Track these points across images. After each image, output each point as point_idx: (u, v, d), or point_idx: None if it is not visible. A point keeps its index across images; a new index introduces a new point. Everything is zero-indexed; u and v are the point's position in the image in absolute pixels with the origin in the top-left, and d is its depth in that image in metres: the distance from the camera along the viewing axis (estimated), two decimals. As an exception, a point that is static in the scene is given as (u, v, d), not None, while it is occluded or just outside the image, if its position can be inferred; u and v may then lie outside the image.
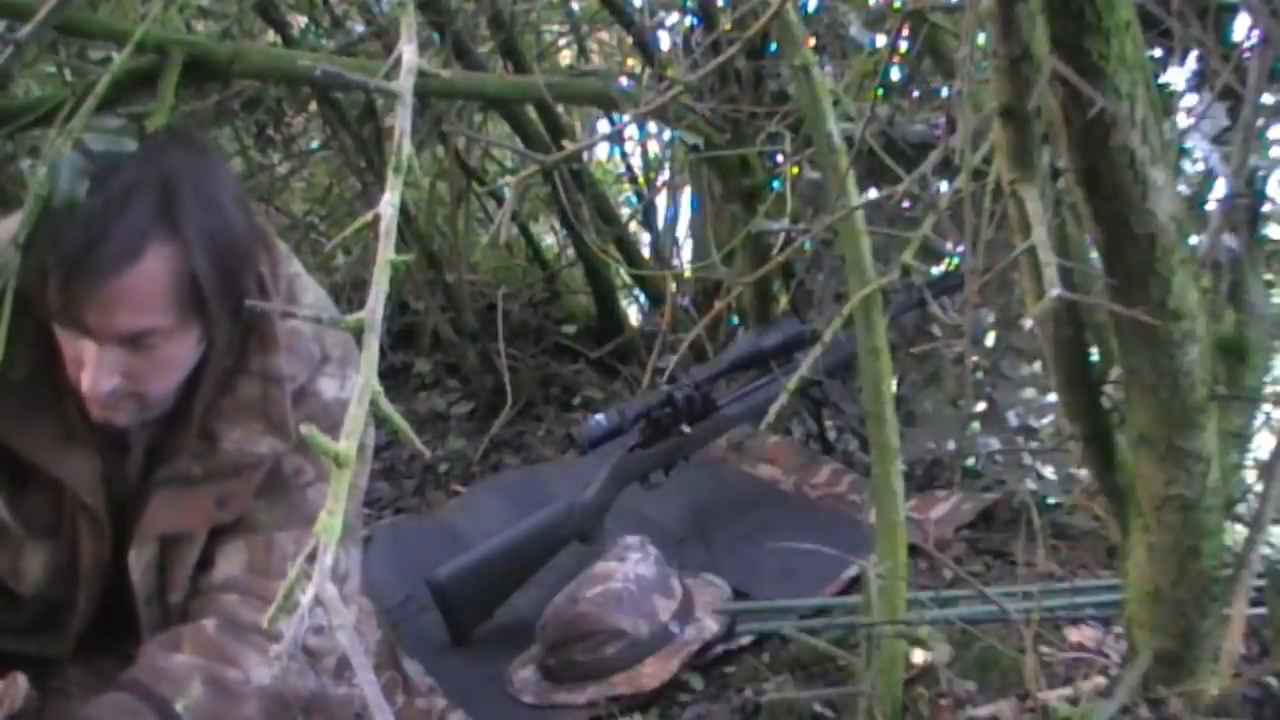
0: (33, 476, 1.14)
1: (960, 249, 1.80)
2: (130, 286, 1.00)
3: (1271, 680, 1.20)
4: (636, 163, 3.15)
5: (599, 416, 1.84)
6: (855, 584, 1.59)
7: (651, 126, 2.55)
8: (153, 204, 1.01)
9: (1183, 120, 1.42)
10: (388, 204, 0.50)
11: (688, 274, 2.73)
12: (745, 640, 1.59)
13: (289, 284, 1.19)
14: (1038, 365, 1.90)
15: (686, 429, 1.92)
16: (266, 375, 1.14)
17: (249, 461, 1.15)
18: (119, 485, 1.18)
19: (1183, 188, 1.39)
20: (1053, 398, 1.87)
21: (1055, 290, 0.73)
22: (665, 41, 2.42)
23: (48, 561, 1.18)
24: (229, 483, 1.15)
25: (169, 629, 1.18)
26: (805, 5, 2.19)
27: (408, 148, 0.52)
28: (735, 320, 2.57)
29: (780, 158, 2.09)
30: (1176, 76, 1.50)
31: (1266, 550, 1.32)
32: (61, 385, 1.08)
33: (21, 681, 1.17)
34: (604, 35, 3.13)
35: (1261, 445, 1.28)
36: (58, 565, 1.19)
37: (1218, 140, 1.16)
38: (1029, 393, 1.91)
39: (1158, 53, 1.40)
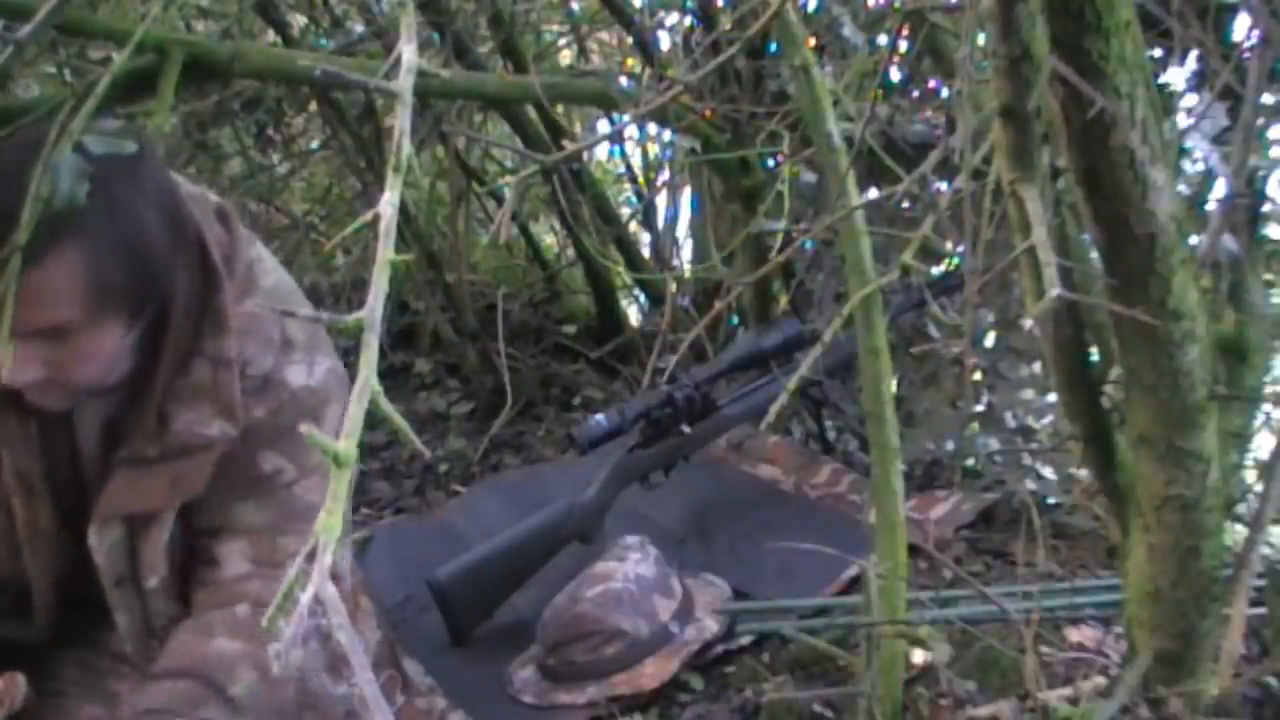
0: None
1: (960, 249, 1.80)
2: (36, 285, 1.01)
3: (1271, 680, 1.20)
4: (636, 163, 3.15)
5: (599, 416, 1.84)
6: (855, 584, 1.59)
7: (651, 127, 2.55)
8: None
9: (1183, 120, 1.42)
10: (388, 204, 0.50)
11: (688, 274, 2.73)
12: (745, 640, 1.59)
13: (248, 268, 1.19)
14: (1037, 366, 1.90)
15: (686, 429, 1.92)
16: (217, 358, 1.15)
17: (198, 444, 1.15)
18: (63, 453, 1.19)
19: (1183, 188, 1.39)
20: (1052, 398, 1.87)
21: (1055, 290, 0.73)
22: (665, 41, 2.42)
23: (1, 533, 1.19)
24: (180, 464, 1.16)
25: (187, 617, 1.20)
26: (805, 5, 2.19)
27: (408, 148, 0.52)
28: (735, 320, 2.57)
29: (778, 158, 2.09)
30: (1176, 76, 1.50)
31: (1266, 550, 1.32)
32: None
33: (21, 681, 1.17)
34: (604, 35, 3.13)
35: (1261, 445, 1.28)
36: (5, 535, 1.19)
37: (1218, 140, 1.16)
38: (1028, 393, 1.91)
39: (1158, 53, 1.40)
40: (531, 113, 2.45)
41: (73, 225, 1.02)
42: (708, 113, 2.06)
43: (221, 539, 1.21)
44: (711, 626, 1.60)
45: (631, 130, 2.81)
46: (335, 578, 1.24)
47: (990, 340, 1.95)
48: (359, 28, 2.58)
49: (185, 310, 1.13)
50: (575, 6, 3.04)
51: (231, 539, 1.20)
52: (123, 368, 1.13)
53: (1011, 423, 1.94)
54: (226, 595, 1.19)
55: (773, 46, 2.12)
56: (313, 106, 2.68)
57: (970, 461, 2.05)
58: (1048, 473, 1.91)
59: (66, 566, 1.23)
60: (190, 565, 1.24)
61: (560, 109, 2.65)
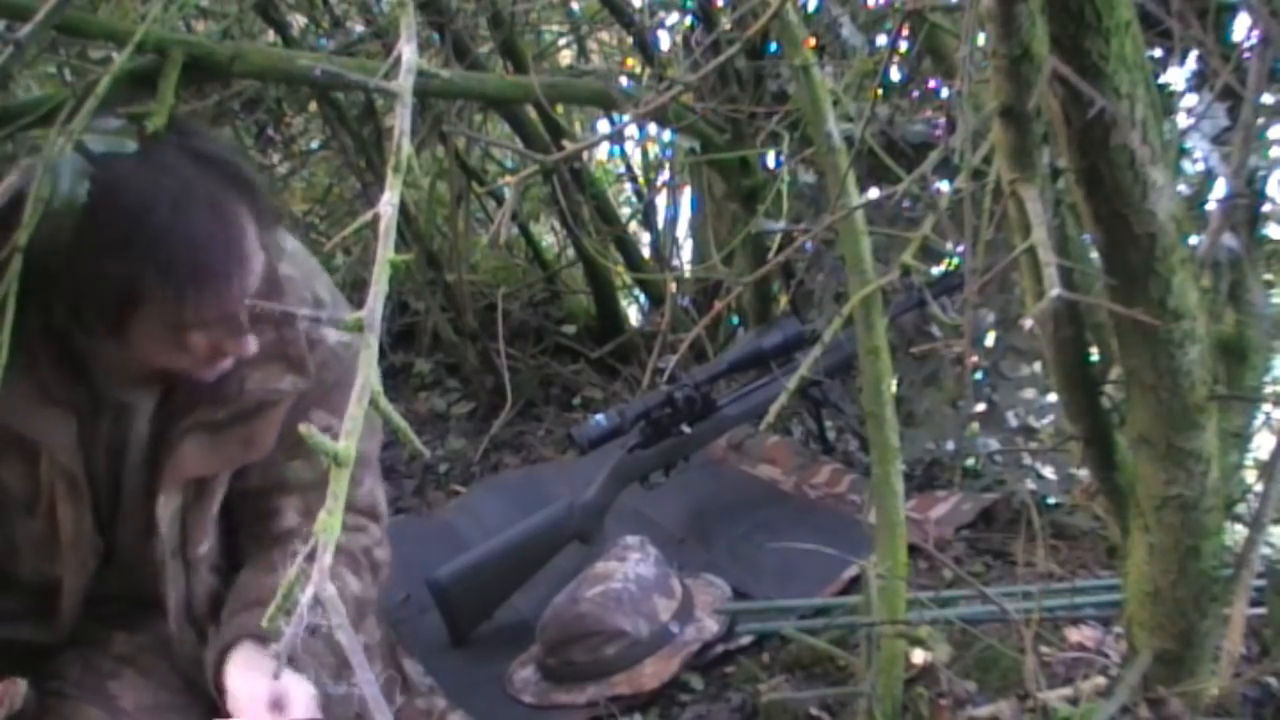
0: (9, 446, 1.15)
1: (960, 249, 1.80)
2: (256, 261, 1.09)
3: (1271, 680, 1.20)
4: (636, 163, 3.15)
5: (599, 416, 1.84)
6: (855, 584, 1.59)
7: (651, 127, 2.55)
8: (234, 191, 1.08)
9: (1183, 120, 1.42)
10: (388, 204, 0.50)
11: (688, 274, 2.73)
12: (745, 640, 1.59)
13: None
14: (1038, 366, 1.90)
15: (686, 429, 1.92)
16: (278, 317, 1.19)
17: (272, 399, 1.20)
18: (100, 450, 1.20)
19: (1183, 188, 1.39)
20: (1053, 398, 1.87)
21: (1055, 290, 0.73)
22: (665, 41, 2.42)
23: (34, 537, 1.20)
24: (253, 423, 1.20)
25: (224, 590, 1.24)
26: (805, 5, 2.19)
27: (408, 148, 0.52)
28: (735, 320, 2.58)
29: (775, 159, 2.09)
30: (1176, 76, 1.50)
31: (1266, 550, 1.32)
32: (35, 348, 1.09)
33: (21, 683, 1.17)
34: (604, 35, 3.13)
35: (1261, 445, 1.28)
36: (40, 539, 1.20)
37: (1218, 140, 1.16)
38: (1029, 393, 1.91)
39: (1158, 53, 1.40)
40: (531, 113, 2.45)
41: (246, 196, 1.09)
42: (707, 113, 2.06)
43: (274, 496, 1.26)
44: (711, 626, 1.60)
45: (631, 130, 2.82)
46: (376, 516, 1.31)
47: (990, 340, 1.95)
48: (359, 28, 2.59)
49: None
50: (575, 6, 3.04)
51: (284, 496, 1.26)
52: None
53: (1012, 423, 1.94)
54: (281, 542, 1.25)
55: (773, 46, 2.12)
56: (313, 106, 2.69)
57: (970, 461, 2.05)
58: (1048, 473, 1.91)
59: (94, 566, 1.24)
60: (243, 521, 1.29)
61: (560, 109, 2.65)
